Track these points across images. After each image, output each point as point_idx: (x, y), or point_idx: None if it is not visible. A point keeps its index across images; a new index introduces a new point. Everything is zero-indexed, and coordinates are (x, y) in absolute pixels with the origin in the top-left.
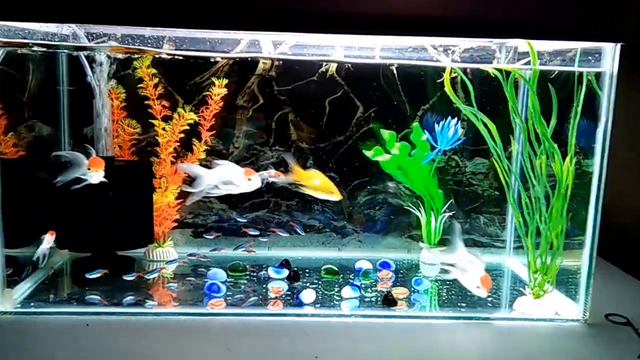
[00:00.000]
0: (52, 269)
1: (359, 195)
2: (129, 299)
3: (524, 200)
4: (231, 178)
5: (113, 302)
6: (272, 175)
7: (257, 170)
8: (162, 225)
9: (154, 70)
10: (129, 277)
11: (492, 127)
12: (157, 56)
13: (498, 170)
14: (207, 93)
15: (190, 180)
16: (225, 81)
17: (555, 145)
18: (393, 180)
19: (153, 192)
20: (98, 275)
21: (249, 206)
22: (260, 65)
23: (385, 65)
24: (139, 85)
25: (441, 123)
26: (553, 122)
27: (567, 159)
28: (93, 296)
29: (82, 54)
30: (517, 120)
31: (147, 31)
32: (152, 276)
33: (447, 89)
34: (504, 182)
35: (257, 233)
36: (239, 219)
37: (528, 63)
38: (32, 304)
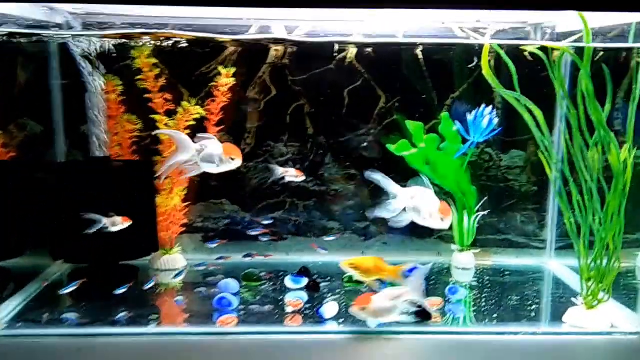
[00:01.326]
0: (46, 281)
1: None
2: (122, 315)
3: (575, 198)
4: (211, 154)
5: (110, 320)
6: (292, 174)
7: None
8: (169, 231)
9: (154, 60)
10: (120, 291)
11: (539, 114)
12: (159, 43)
13: (545, 164)
14: (213, 84)
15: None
16: (233, 70)
17: (613, 135)
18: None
19: (156, 194)
20: (73, 289)
21: (264, 207)
22: (272, 53)
23: (410, 46)
24: (137, 77)
25: (473, 112)
26: (608, 107)
27: (625, 149)
28: (69, 315)
29: (73, 43)
30: (566, 105)
31: (149, 18)
32: (148, 286)
33: (486, 70)
34: (552, 177)
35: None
36: (321, 250)
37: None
38: (19, 324)
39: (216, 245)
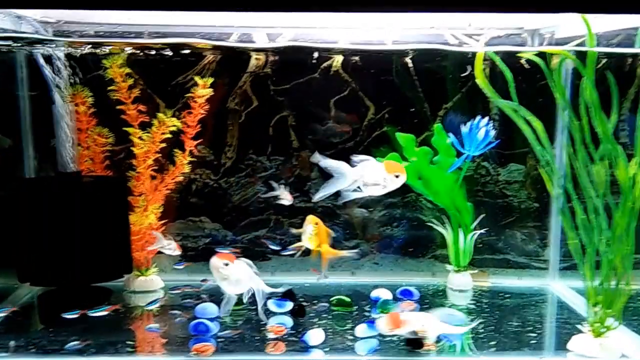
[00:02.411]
0: (14, 305)
1: (373, 209)
2: (73, 344)
3: (580, 216)
4: (374, 176)
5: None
6: (287, 198)
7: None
8: (144, 250)
9: (127, 70)
10: (69, 316)
11: (539, 126)
12: (132, 52)
13: (546, 179)
14: (189, 95)
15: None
16: (211, 80)
17: (620, 148)
18: (412, 192)
19: (130, 212)
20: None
21: (247, 225)
22: (253, 62)
23: (400, 54)
24: (110, 88)
25: (468, 124)
26: (614, 118)
27: (634, 163)
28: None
29: (39, 52)
30: (568, 116)
31: (123, 26)
32: (152, 307)
33: (480, 79)
34: (554, 193)
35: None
36: (272, 246)
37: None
38: None
39: (182, 267)
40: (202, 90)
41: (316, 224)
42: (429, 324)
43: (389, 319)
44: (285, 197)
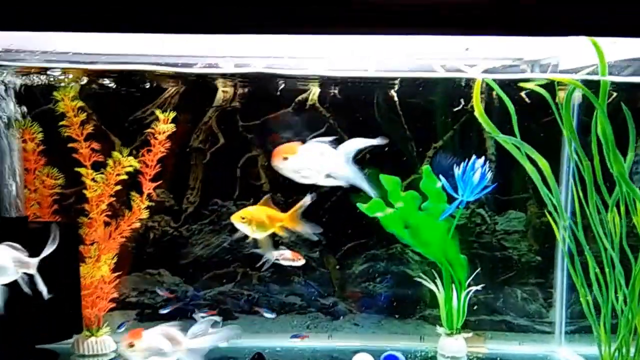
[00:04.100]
0: None
1: (353, 263)
2: None
3: (593, 270)
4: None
5: None
6: (288, 257)
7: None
8: (96, 307)
9: (80, 104)
10: None
11: (545, 165)
12: (86, 84)
13: (554, 227)
14: (149, 131)
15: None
16: (173, 114)
17: (638, 190)
18: (398, 243)
19: (81, 263)
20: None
21: (210, 279)
22: (220, 95)
23: (385, 84)
24: (60, 123)
25: (462, 165)
26: (630, 157)
27: None
28: None
29: None
30: (576, 154)
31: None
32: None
33: (478, 110)
34: (561, 244)
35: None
36: (267, 314)
37: None
38: None
39: (123, 329)
40: (163, 125)
41: (243, 218)
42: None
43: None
44: (287, 258)
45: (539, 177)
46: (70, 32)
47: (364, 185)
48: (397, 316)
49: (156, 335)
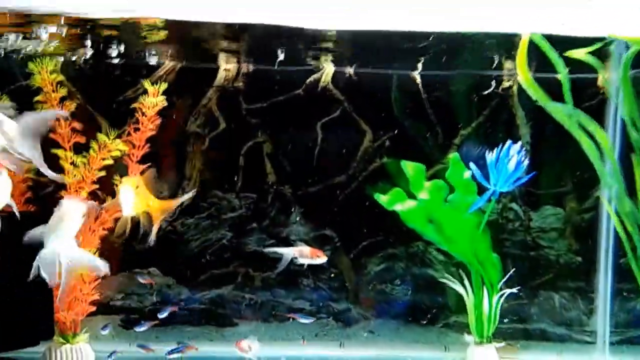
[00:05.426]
0: None
1: (368, 263)
2: None
3: None
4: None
5: None
6: (306, 255)
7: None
8: (72, 310)
9: (60, 77)
10: None
11: (604, 138)
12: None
13: (613, 216)
14: (137, 105)
15: None
16: (164, 86)
17: None
18: (420, 240)
19: None
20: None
21: (208, 280)
22: (222, 74)
23: (417, 37)
24: (36, 99)
25: (496, 151)
26: None
27: None
28: None
29: None
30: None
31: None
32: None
33: (523, 72)
34: (627, 241)
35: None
36: (303, 320)
37: None
38: None
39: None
40: (152, 98)
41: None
42: None
43: None
44: (305, 255)
45: (596, 153)
46: None
47: (42, 167)
48: (417, 323)
49: None
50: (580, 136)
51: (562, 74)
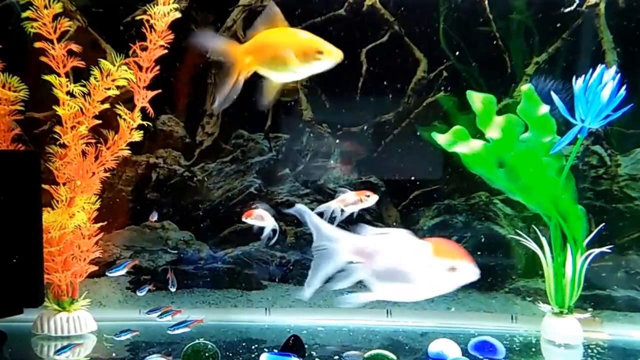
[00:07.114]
0: None
1: (422, 215)
2: None
3: None
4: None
5: None
6: (352, 201)
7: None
8: (68, 271)
9: None
10: None
11: None
12: None
13: None
14: (143, 17)
15: None
16: None
17: None
18: (483, 190)
19: (44, 207)
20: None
21: (227, 237)
22: None
23: None
24: (24, 15)
25: (582, 78)
26: None
27: None
28: None
29: None
30: None
31: None
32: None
33: None
34: None
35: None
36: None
37: None
38: None
39: (145, 293)
40: (162, 7)
41: None
42: None
43: None
44: (350, 202)
45: None
46: None
47: None
48: (478, 288)
49: None
50: None
51: None
